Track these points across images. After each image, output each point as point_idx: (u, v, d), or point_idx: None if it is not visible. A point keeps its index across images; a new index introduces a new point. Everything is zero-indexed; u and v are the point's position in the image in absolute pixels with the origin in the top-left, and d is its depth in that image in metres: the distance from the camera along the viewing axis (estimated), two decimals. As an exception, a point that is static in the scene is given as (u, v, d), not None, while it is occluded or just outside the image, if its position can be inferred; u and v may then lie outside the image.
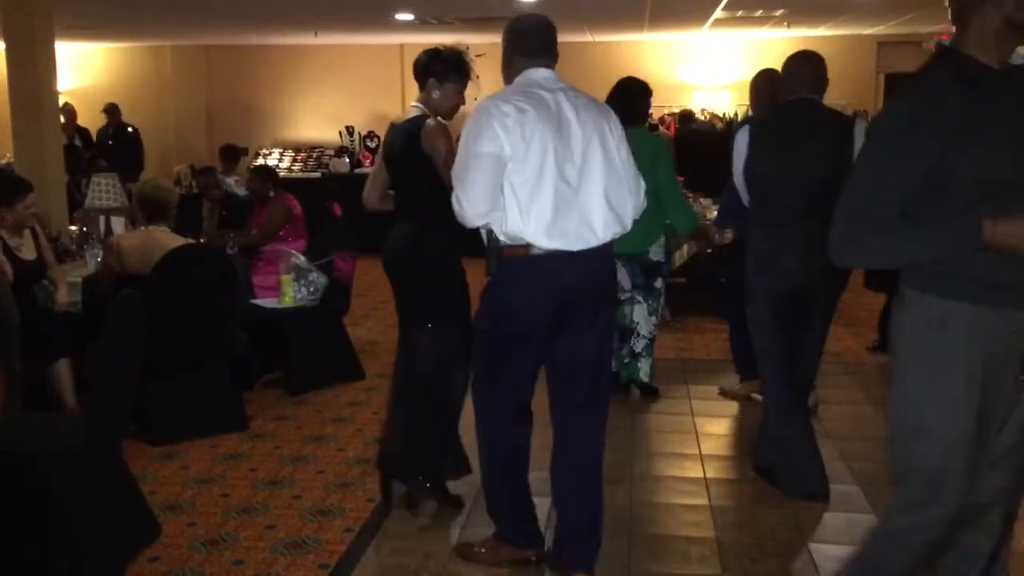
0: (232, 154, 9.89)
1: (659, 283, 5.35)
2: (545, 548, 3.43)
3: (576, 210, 3.03)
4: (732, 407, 5.34)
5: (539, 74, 3.11)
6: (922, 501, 2.35)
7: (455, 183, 3.06)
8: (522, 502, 3.42)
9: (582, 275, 3.07)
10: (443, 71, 3.72)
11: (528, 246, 3.03)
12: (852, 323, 7.30)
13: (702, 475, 4.33)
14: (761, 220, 4.05)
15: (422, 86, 3.79)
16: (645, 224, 5.23)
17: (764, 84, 5.06)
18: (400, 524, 3.78)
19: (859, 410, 5.31)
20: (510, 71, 3.19)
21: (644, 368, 5.40)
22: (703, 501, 4.04)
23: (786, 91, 4.11)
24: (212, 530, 3.73)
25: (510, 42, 3.17)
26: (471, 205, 3.00)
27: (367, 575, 3.43)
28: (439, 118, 3.70)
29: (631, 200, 3.18)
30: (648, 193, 3.36)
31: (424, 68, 3.76)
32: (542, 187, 2.99)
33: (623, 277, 5.22)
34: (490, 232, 3.09)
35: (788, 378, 4.04)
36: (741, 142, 4.24)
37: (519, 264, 3.07)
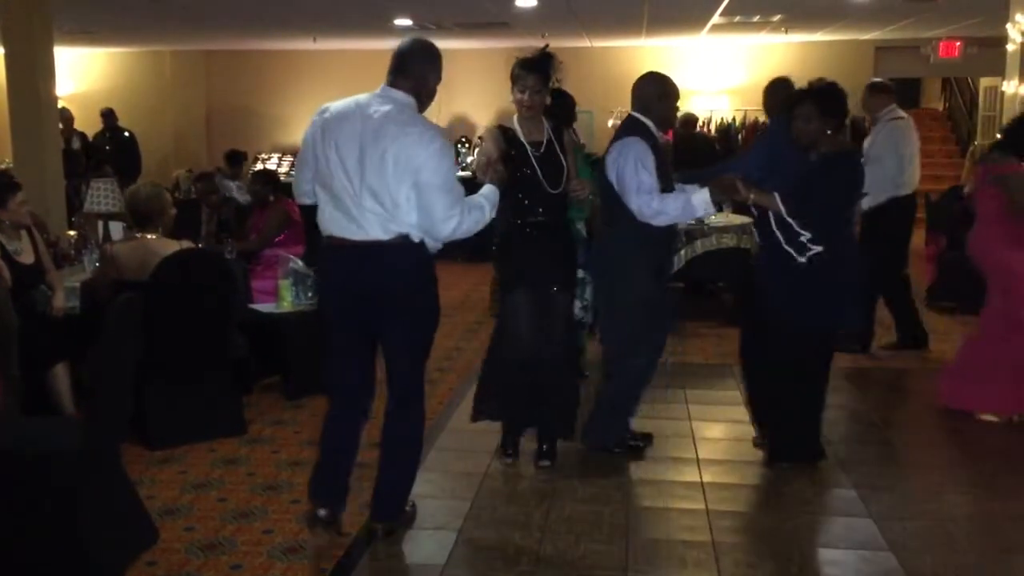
0: (237, 159, 10.02)
1: (580, 273, 5.60)
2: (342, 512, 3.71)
3: (355, 206, 3.39)
4: (730, 412, 5.35)
5: (382, 88, 3.49)
6: None
7: None
8: (323, 464, 3.72)
9: (364, 267, 3.42)
10: (512, 76, 4.22)
11: (329, 235, 3.49)
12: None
13: (699, 479, 4.34)
14: None
15: None
16: None
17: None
18: (397, 529, 3.79)
19: (856, 415, 5.33)
20: None
21: None
22: (700, 505, 4.05)
23: None
24: (210, 535, 3.73)
25: None
26: (295, 185, 3.68)
27: (364, 579, 3.44)
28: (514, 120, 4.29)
29: (406, 207, 3.38)
30: None
31: None
32: (330, 180, 3.43)
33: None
34: None
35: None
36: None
37: (322, 250, 3.56)
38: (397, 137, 3.33)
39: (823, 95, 4.33)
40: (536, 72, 4.14)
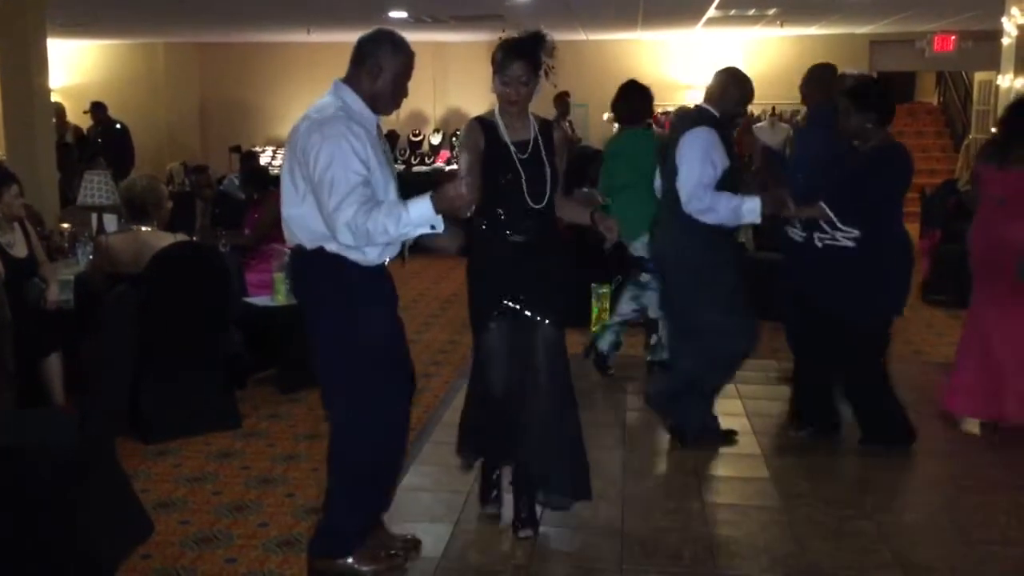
0: (249, 156, 10.23)
1: (644, 277, 5.59)
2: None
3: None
4: (725, 405, 5.33)
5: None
6: None
7: None
8: None
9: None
10: (494, 62, 3.47)
11: None
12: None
13: (694, 472, 4.34)
14: None
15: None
16: (631, 217, 5.14)
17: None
18: (391, 526, 3.78)
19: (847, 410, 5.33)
20: None
21: (606, 339, 5.79)
22: (696, 499, 4.05)
23: None
24: (205, 528, 3.73)
25: None
26: None
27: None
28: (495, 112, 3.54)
29: (306, 217, 3.10)
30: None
31: None
32: None
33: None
34: None
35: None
36: None
37: None
38: (294, 135, 3.09)
39: (855, 91, 4.39)
40: (521, 58, 3.36)
